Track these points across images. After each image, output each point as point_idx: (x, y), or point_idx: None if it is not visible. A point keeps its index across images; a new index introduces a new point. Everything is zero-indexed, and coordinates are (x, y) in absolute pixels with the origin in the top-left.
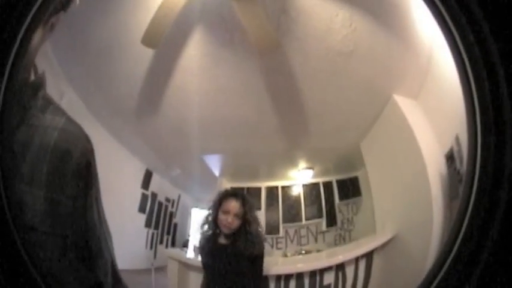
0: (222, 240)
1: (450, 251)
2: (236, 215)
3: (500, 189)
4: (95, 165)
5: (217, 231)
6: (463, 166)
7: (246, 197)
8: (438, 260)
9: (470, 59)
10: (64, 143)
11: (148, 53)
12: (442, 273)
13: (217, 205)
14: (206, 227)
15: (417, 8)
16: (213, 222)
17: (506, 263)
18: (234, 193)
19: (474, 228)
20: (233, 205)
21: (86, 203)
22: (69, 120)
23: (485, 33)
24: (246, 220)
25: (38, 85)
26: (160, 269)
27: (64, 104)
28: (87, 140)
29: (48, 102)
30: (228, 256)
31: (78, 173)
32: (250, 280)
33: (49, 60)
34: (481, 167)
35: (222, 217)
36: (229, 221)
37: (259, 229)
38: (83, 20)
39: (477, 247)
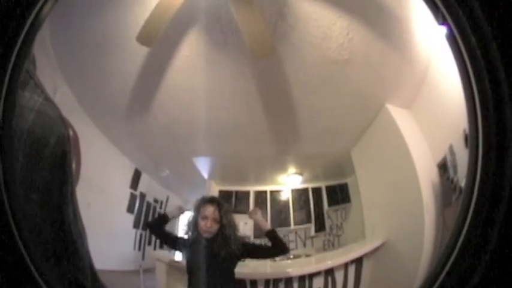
0: (202, 241)
1: (448, 258)
2: (214, 220)
3: (501, 195)
4: (71, 155)
5: (198, 233)
6: (457, 175)
7: (222, 203)
8: (436, 267)
9: (472, 62)
10: (39, 128)
11: (143, 51)
12: (440, 279)
13: (197, 211)
14: (189, 229)
15: (417, 20)
16: (194, 225)
17: (505, 271)
18: (210, 199)
19: (473, 235)
20: (210, 211)
21: (61, 201)
22: (47, 100)
23: (488, 36)
24: (222, 224)
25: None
26: (149, 271)
27: (56, 99)
28: (64, 125)
29: (29, 76)
30: (207, 256)
31: (53, 164)
32: (226, 279)
33: (46, 51)
34: (481, 174)
35: (201, 223)
36: (208, 225)
37: (236, 232)
38: (80, 13)
39: (475, 255)
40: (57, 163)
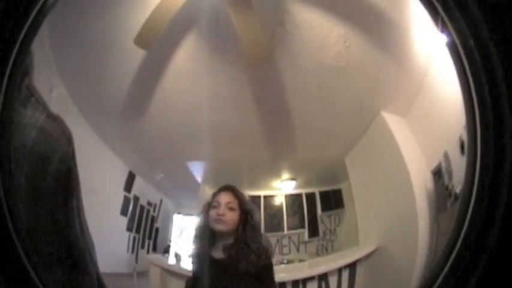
0: (217, 254)
1: (445, 264)
2: (228, 205)
3: (499, 200)
4: (76, 171)
5: (211, 241)
6: (452, 181)
7: (237, 189)
8: (431, 273)
9: (470, 65)
10: (42, 146)
11: (140, 54)
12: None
13: (207, 207)
14: (198, 237)
15: (415, 29)
16: (205, 228)
17: (501, 279)
18: (224, 187)
19: (471, 239)
20: (223, 196)
21: (67, 216)
22: (50, 117)
23: (487, 41)
24: (246, 211)
25: (25, 71)
26: (142, 274)
27: (52, 99)
28: (67, 142)
29: (31, 93)
30: (226, 275)
31: (57, 182)
32: None
33: (44, 51)
34: (479, 180)
35: (212, 212)
36: (220, 212)
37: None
38: (79, 14)
39: (472, 262)
40: (61, 180)
